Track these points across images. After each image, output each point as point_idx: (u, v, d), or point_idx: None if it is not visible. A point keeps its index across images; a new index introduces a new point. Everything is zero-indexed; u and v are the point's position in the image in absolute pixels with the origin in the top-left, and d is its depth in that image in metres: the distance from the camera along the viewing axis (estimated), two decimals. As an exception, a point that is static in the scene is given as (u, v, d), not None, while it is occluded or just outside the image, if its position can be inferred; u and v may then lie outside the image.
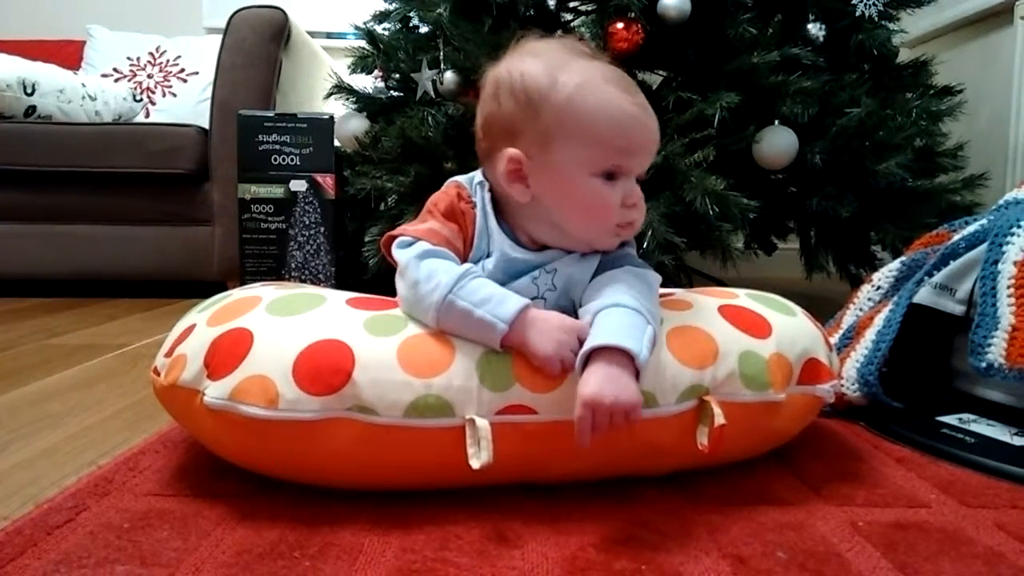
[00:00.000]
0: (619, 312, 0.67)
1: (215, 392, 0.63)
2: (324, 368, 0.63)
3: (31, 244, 2.03)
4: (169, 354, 0.70)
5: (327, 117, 1.68)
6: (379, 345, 0.65)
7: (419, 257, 0.70)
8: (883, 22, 1.62)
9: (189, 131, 2.02)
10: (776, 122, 1.48)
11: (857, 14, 1.58)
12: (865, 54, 1.62)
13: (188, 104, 2.47)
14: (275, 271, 1.66)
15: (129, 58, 2.58)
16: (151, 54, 2.59)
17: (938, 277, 0.95)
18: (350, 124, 1.69)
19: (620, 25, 1.44)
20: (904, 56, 1.80)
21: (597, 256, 0.76)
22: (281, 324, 0.67)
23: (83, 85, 2.24)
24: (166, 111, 2.48)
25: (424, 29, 1.71)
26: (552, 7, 1.68)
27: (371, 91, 1.76)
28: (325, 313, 0.69)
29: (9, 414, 0.96)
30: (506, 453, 0.62)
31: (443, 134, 1.52)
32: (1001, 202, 1.03)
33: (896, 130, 1.52)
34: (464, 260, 0.73)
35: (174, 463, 0.75)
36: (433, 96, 1.58)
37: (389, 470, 0.66)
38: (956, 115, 1.66)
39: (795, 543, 0.60)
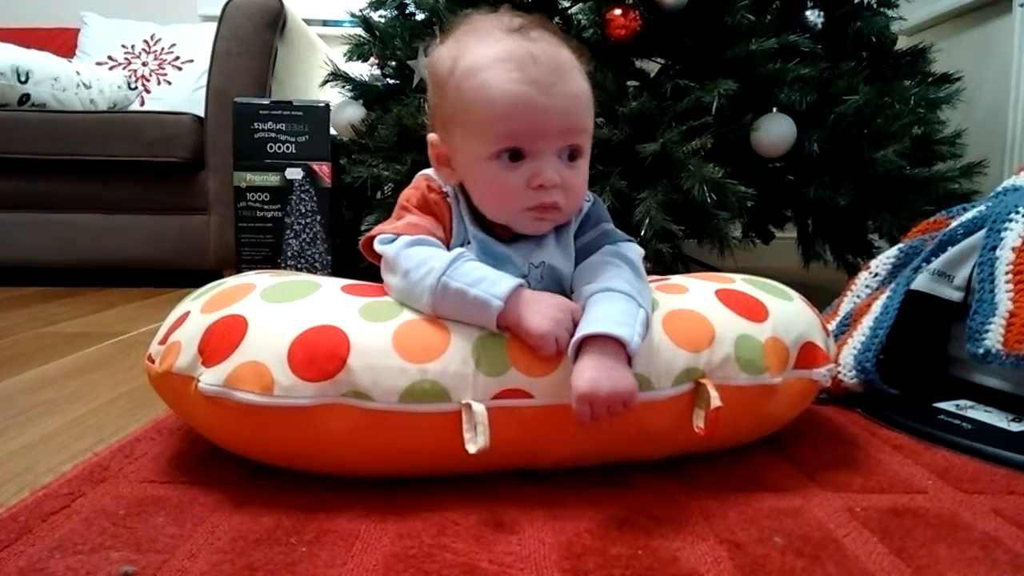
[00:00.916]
0: (610, 297, 0.66)
1: (210, 379, 0.63)
2: (319, 354, 0.62)
3: (27, 232, 2.02)
4: (164, 341, 0.70)
5: (323, 105, 1.68)
6: (374, 331, 0.65)
7: (407, 246, 0.70)
8: (881, 9, 1.62)
9: (184, 119, 2.01)
10: (774, 110, 1.48)
11: (856, 1, 1.57)
12: (863, 42, 1.62)
13: (183, 92, 2.46)
14: (271, 259, 1.66)
15: (124, 46, 2.56)
16: (146, 42, 2.57)
17: (936, 264, 0.94)
18: (346, 112, 1.69)
19: (618, 12, 1.44)
20: (902, 44, 1.79)
21: (571, 238, 0.76)
22: (276, 310, 0.66)
23: (78, 73, 2.23)
24: (161, 99, 2.47)
25: (420, 16, 1.70)
26: (549, -6, 1.67)
27: (367, 79, 1.75)
28: (320, 299, 0.68)
29: (5, 401, 0.96)
30: (502, 438, 0.62)
31: (439, 122, 1.51)
32: (999, 189, 1.03)
33: (894, 118, 1.52)
34: (447, 247, 0.72)
35: (170, 450, 0.75)
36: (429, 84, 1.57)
37: (385, 456, 0.65)
38: (954, 103, 1.66)
39: (792, 529, 0.60)
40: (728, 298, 0.75)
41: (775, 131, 1.47)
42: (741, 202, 1.40)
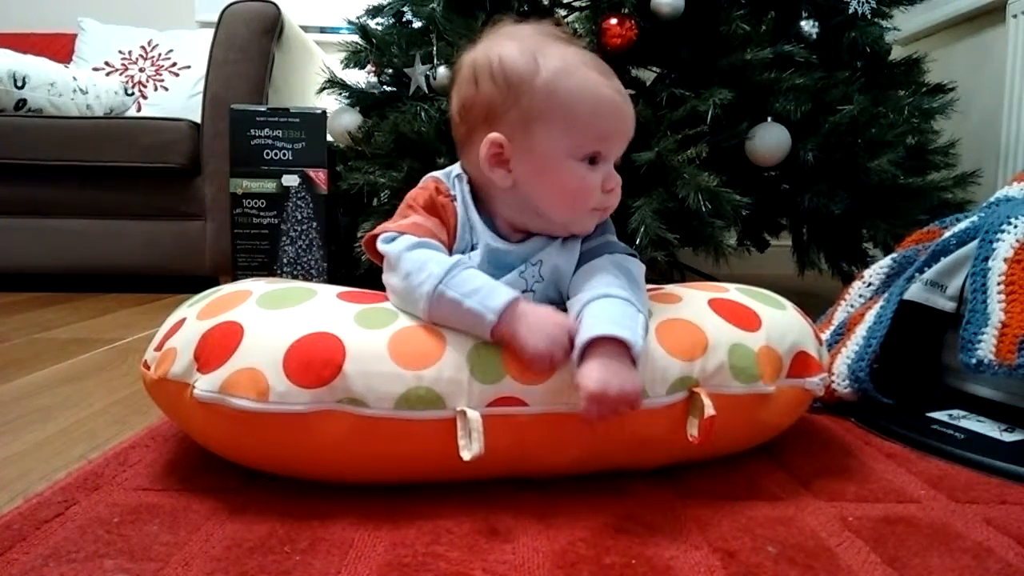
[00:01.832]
0: (610, 302, 0.67)
1: (205, 385, 0.63)
2: (314, 360, 0.62)
3: (22, 238, 2.02)
4: (159, 348, 0.70)
5: (320, 112, 1.68)
6: (370, 337, 0.65)
7: (409, 248, 0.70)
8: (876, 19, 1.63)
9: (181, 125, 2.01)
10: (769, 119, 1.48)
11: (850, 11, 1.58)
12: (858, 51, 1.63)
13: (180, 98, 2.46)
14: (267, 266, 1.66)
15: (121, 52, 2.56)
16: (143, 48, 2.57)
17: (929, 274, 0.95)
18: (343, 119, 1.69)
19: (614, 21, 1.44)
20: (896, 54, 1.80)
21: (578, 243, 0.76)
22: (272, 317, 0.66)
23: (74, 78, 2.23)
24: (158, 105, 2.47)
25: (417, 24, 1.71)
26: (546, 3, 1.68)
27: (364, 86, 1.75)
28: (316, 306, 0.68)
29: (-2, 408, 0.96)
30: (497, 445, 0.62)
31: (436, 129, 1.52)
32: (992, 199, 1.03)
33: (888, 127, 1.52)
34: (450, 252, 0.73)
35: (164, 458, 0.75)
36: (426, 91, 1.58)
37: (380, 462, 0.65)
38: (948, 113, 1.66)
39: (785, 538, 0.60)
40: (721, 307, 0.75)
41: (770, 140, 1.47)
42: (736, 210, 1.40)
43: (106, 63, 2.54)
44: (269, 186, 1.64)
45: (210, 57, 2.03)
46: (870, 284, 1.07)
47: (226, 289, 0.75)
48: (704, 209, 1.37)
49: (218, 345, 0.65)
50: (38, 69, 2.12)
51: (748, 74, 1.46)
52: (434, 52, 1.57)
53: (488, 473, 0.67)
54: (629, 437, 0.67)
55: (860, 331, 0.96)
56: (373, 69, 1.75)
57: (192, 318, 0.70)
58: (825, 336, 1.03)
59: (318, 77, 1.83)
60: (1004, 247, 0.86)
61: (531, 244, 0.75)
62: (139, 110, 2.48)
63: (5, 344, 1.36)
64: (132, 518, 0.61)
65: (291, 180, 1.65)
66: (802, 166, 1.51)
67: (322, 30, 2.80)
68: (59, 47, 2.57)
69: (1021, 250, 0.85)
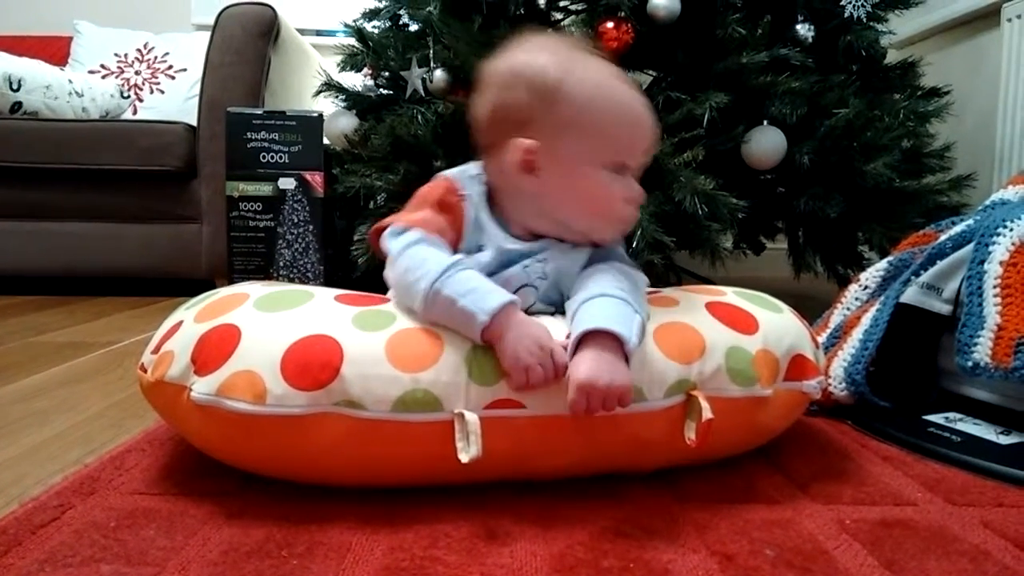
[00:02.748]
0: (607, 301, 0.68)
1: (202, 388, 0.63)
2: (312, 363, 0.62)
3: (18, 241, 2.01)
4: (156, 351, 0.70)
5: (316, 115, 1.68)
6: (367, 340, 0.65)
7: (411, 244, 0.70)
8: (871, 23, 1.63)
9: (177, 128, 2.01)
10: (765, 122, 1.49)
11: (846, 15, 1.58)
12: (853, 55, 1.63)
13: (176, 101, 2.46)
14: (264, 269, 1.65)
15: (117, 54, 2.56)
16: (139, 51, 2.57)
17: (925, 277, 0.95)
18: (339, 122, 1.69)
19: (610, 24, 1.45)
20: (892, 57, 1.81)
21: (587, 249, 0.77)
22: (269, 320, 0.66)
23: (70, 81, 2.22)
24: (154, 108, 2.47)
25: (414, 27, 1.71)
26: (542, 6, 1.68)
27: (361, 89, 1.75)
28: (313, 309, 0.68)
29: (-6, 412, 0.95)
30: (495, 448, 0.62)
31: (433, 132, 1.52)
32: (987, 202, 1.04)
33: (884, 131, 1.53)
34: (455, 252, 0.73)
35: (160, 461, 0.75)
36: (423, 94, 1.58)
37: (377, 465, 0.65)
38: (943, 116, 1.67)
39: (782, 541, 0.60)
40: (719, 311, 0.75)
41: (766, 143, 1.47)
42: (732, 213, 1.41)
43: (102, 66, 2.54)
44: (265, 189, 1.64)
45: (206, 60, 2.03)
46: (866, 287, 1.07)
47: (223, 292, 0.75)
48: (700, 212, 1.37)
49: (215, 348, 0.65)
50: (34, 72, 2.11)
51: (744, 78, 1.46)
52: (431, 55, 1.57)
53: (486, 476, 0.67)
54: (627, 440, 0.67)
55: (856, 334, 0.96)
56: (370, 72, 1.75)
57: (189, 321, 0.69)
58: (822, 339, 1.03)
59: (314, 80, 1.83)
60: (1000, 250, 0.86)
61: (541, 244, 0.75)
62: (135, 113, 2.47)
63: (1, 348, 1.35)
64: (128, 522, 0.61)
65: (287, 183, 1.65)
66: (798, 169, 1.51)
67: (318, 33, 2.80)
68: (55, 50, 2.57)
69: (1017, 253, 0.85)
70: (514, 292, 0.70)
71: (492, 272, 0.72)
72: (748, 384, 0.71)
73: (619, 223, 0.76)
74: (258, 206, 1.64)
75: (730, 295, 0.80)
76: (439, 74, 1.55)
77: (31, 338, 1.44)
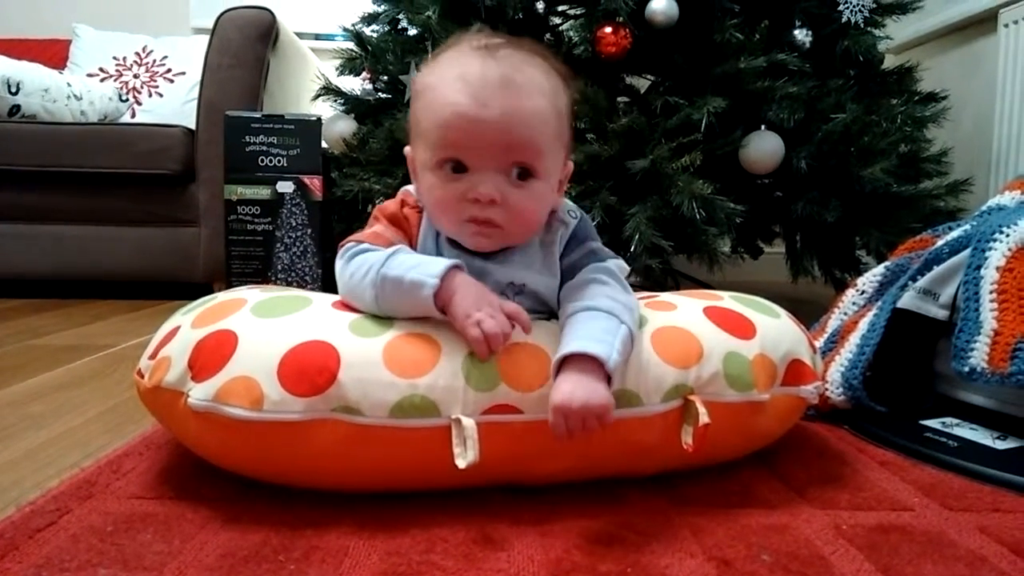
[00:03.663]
0: (590, 315, 0.67)
1: (199, 393, 0.63)
2: (309, 369, 0.62)
3: (15, 244, 2.01)
4: (153, 356, 0.70)
5: (315, 119, 1.68)
6: (364, 345, 0.65)
7: (354, 255, 0.72)
8: (869, 28, 1.64)
9: (175, 132, 2.01)
10: (762, 127, 1.49)
11: (843, 20, 1.59)
12: (851, 60, 1.63)
13: (174, 104, 2.46)
14: (261, 273, 1.65)
15: (115, 58, 2.56)
16: (137, 54, 2.57)
17: (922, 282, 0.95)
18: (338, 126, 1.69)
19: (608, 29, 1.45)
20: (889, 62, 1.81)
21: (555, 256, 0.76)
22: (266, 325, 0.66)
23: (68, 84, 2.22)
24: (152, 111, 2.47)
25: (412, 31, 1.71)
26: (540, 11, 1.68)
27: (359, 93, 1.75)
28: (310, 315, 0.68)
29: (-9, 416, 0.95)
30: (492, 453, 0.62)
31: (431, 136, 1.52)
32: (984, 208, 1.04)
33: (881, 136, 1.53)
34: None
35: (158, 466, 0.75)
36: (420, 99, 1.58)
37: (375, 471, 0.65)
38: (940, 121, 1.68)
39: (779, 546, 0.60)
40: (716, 315, 0.75)
41: (764, 148, 1.48)
42: (730, 218, 1.41)
43: (100, 69, 2.53)
44: (263, 193, 1.64)
45: (205, 63, 2.03)
46: (863, 292, 1.07)
47: (220, 297, 0.75)
48: (698, 216, 1.37)
49: (212, 353, 0.65)
50: (32, 75, 2.11)
51: (742, 82, 1.46)
52: (429, 59, 1.57)
53: (483, 481, 0.67)
54: (624, 445, 0.68)
55: (853, 339, 0.96)
56: (368, 76, 1.75)
57: (186, 326, 0.69)
58: (819, 344, 1.03)
59: (313, 84, 1.83)
60: (996, 255, 0.87)
61: (500, 258, 0.74)
62: (133, 116, 2.47)
63: (-3, 351, 1.35)
64: (125, 527, 0.61)
65: (286, 187, 1.65)
66: (795, 174, 1.51)
67: (317, 37, 2.80)
68: (53, 53, 2.56)
69: (1013, 259, 0.86)
70: None
71: None
72: (745, 389, 0.71)
73: (468, 224, 0.71)
74: (256, 210, 1.65)
75: (727, 300, 0.80)
76: (437, 78, 1.55)
77: (28, 341, 1.44)
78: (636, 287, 0.78)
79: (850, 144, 1.52)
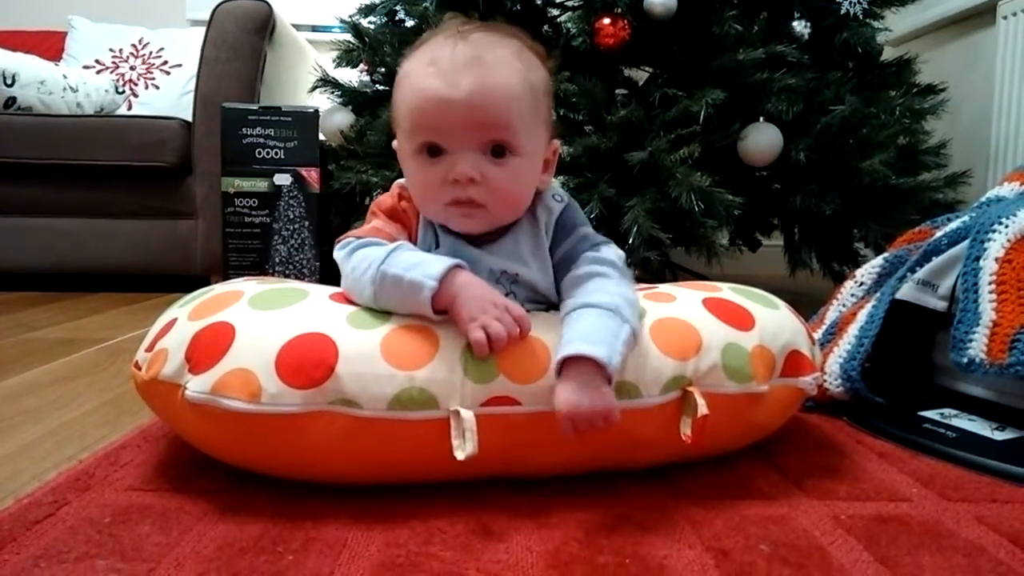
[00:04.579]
0: (591, 313, 0.66)
1: (196, 386, 0.63)
2: (307, 361, 0.62)
3: (11, 237, 2.01)
4: (150, 348, 0.69)
5: (312, 111, 1.67)
6: (362, 338, 0.65)
7: (354, 249, 0.71)
8: (867, 20, 1.63)
9: (172, 124, 2.00)
10: (761, 119, 1.49)
11: (842, 12, 1.58)
12: (849, 52, 1.63)
13: (171, 97, 2.45)
14: (259, 265, 1.65)
15: (111, 50, 2.55)
16: (134, 46, 2.56)
17: (920, 273, 0.95)
18: (335, 118, 1.68)
19: (607, 21, 1.45)
20: (888, 54, 1.81)
21: (543, 245, 0.75)
22: (263, 318, 0.66)
23: (64, 76, 2.21)
24: (149, 104, 2.46)
25: (410, 23, 1.70)
26: (538, 2, 1.68)
27: (356, 85, 1.75)
28: (308, 307, 0.68)
29: (-12, 408, 0.95)
30: (490, 445, 0.62)
31: (429, 129, 1.51)
32: (983, 199, 1.04)
33: (879, 128, 1.53)
34: None
35: (155, 458, 0.75)
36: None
37: (373, 463, 0.65)
38: (939, 113, 1.67)
39: (778, 536, 0.60)
40: (715, 307, 0.75)
41: (762, 140, 1.47)
42: (728, 210, 1.41)
43: (97, 61, 2.52)
44: (261, 185, 1.64)
45: (201, 55, 2.03)
46: (862, 284, 1.07)
47: (218, 289, 0.74)
48: (696, 209, 1.37)
49: (209, 346, 0.64)
50: (28, 67, 2.10)
51: (740, 74, 1.46)
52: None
53: (482, 473, 0.67)
54: (622, 436, 0.67)
55: (852, 330, 0.96)
56: (366, 68, 1.75)
57: (183, 319, 0.69)
58: (817, 335, 1.03)
59: (310, 76, 1.82)
60: (995, 247, 0.87)
61: (493, 246, 0.74)
62: (130, 108, 2.46)
63: (-6, 344, 1.35)
64: (123, 518, 0.61)
65: (283, 179, 1.65)
66: (794, 166, 1.51)
67: (314, 28, 2.79)
68: (49, 45, 2.55)
69: (1012, 250, 0.86)
70: None
71: None
72: (744, 380, 0.71)
73: (451, 207, 0.71)
74: (253, 202, 1.64)
75: (726, 291, 0.80)
76: (435, 70, 1.54)
77: (24, 335, 1.44)
78: (635, 279, 0.77)
79: (849, 136, 1.52)
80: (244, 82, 2.00)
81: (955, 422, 0.88)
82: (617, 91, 1.59)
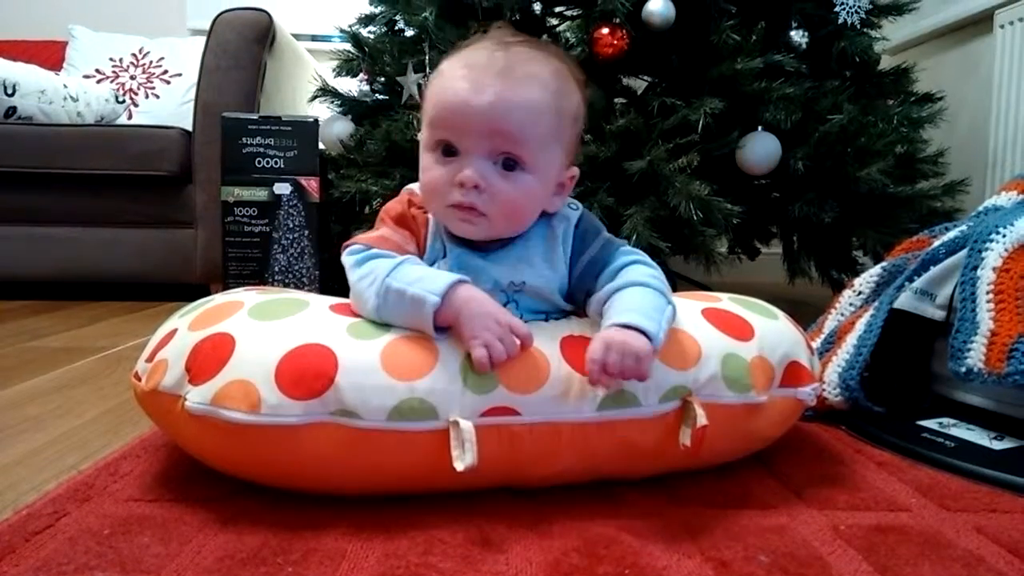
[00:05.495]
0: (641, 291, 0.69)
1: (196, 397, 0.63)
2: (306, 372, 0.62)
3: (12, 246, 2.01)
4: (150, 359, 0.70)
5: (312, 120, 1.68)
6: (362, 349, 0.65)
7: (363, 259, 0.71)
8: (865, 29, 1.64)
9: (172, 133, 2.01)
10: (759, 128, 1.49)
11: (839, 21, 1.59)
12: (847, 61, 1.64)
13: (171, 106, 2.46)
14: (258, 274, 1.65)
15: (112, 59, 2.55)
16: (134, 55, 2.57)
17: (918, 282, 0.95)
18: (335, 127, 1.69)
19: (605, 31, 1.45)
20: (885, 63, 1.82)
21: (558, 253, 0.75)
22: (263, 329, 0.66)
23: (65, 86, 2.22)
24: (149, 113, 2.46)
25: (409, 32, 1.71)
26: (538, 12, 1.69)
27: (356, 94, 1.75)
28: (308, 318, 0.68)
29: (-12, 418, 0.95)
30: (490, 455, 0.62)
31: (428, 138, 1.52)
32: (980, 208, 1.04)
33: (877, 136, 1.53)
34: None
35: (155, 468, 0.75)
36: (418, 100, 1.58)
37: (373, 474, 0.65)
38: (936, 122, 1.68)
39: (777, 546, 0.60)
40: (714, 317, 0.75)
41: (760, 149, 1.48)
42: (727, 219, 1.41)
43: (97, 71, 2.53)
44: (260, 194, 1.64)
45: (201, 65, 2.03)
46: (860, 293, 1.08)
47: (217, 300, 0.74)
48: (695, 217, 1.37)
49: (209, 357, 0.65)
50: (28, 76, 2.11)
51: (739, 83, 1.47)
52: (426, 61, 1.58)
53: (481, 483, 0.67)
54: (621, 446, 0.68)
55: (850, 340, 0.96)
56: (365, 77, 1.75)
57: (183, 329, 0.69)
58: (816, 345, 1.03)
59: (310, 85, 1.83)
60: (993, 256, 0.87)
61: (501, 254, 0.74)
62: (130, 118, 2.47)
63: (-6, 353, 1.35)
64: (123, 529, 0.61)
65: (283, 188, 1.65)
66: (792, 175, 1.51)
67: (314, 38, 2.80)
68: (50, 54, 2.56)
69: (1010, 259, 0.86)
70: None
71: None
72: (743, 391, 0.71)
73: (453, 209, 0.71)
74: (253, 211, 1.65)
75: (726, 301, 0.80)
76: (435, 79, 1.55)
77: (25, 343, 1.44)
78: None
79: (847, 145, 1.52)
80: (244, 91, 2.01)
81: (954, 431, 0.88)
82: (616, 100, 1.60)
